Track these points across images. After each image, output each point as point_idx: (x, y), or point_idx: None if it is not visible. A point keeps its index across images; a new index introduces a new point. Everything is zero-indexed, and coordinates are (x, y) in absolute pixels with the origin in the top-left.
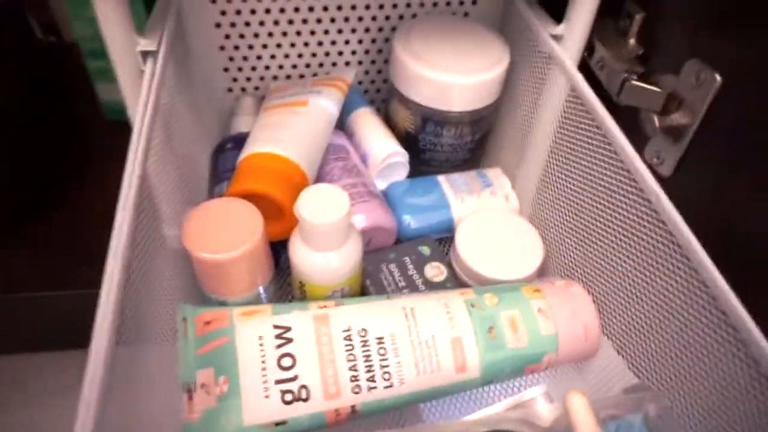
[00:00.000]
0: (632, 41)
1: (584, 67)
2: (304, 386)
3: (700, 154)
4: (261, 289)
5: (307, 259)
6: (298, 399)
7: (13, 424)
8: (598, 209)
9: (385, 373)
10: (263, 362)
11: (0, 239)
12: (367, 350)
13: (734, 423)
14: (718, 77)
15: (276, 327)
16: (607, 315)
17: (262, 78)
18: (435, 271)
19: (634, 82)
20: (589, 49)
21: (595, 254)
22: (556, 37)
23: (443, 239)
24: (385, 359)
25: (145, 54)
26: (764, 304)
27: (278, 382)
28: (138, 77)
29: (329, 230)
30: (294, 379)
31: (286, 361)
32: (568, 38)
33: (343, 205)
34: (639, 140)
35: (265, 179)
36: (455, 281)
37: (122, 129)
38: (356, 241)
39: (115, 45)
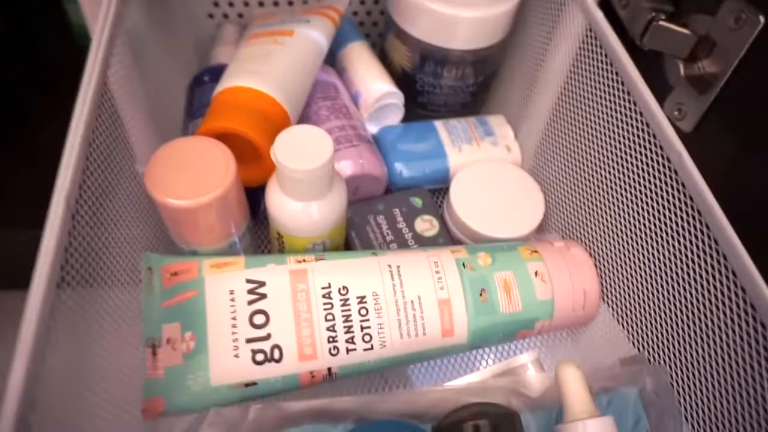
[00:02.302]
0: None
1: (605, 5)
2: (277, 346)
3: (728, 108)
4: (235, 238)
5: (286, 208)
6: (270, 359)
7: None
8: (607, 164)
9: (366, 335)
10: (234, 319)
11: None
12: (347, 310)
13: (740, 407)
14: (762, 18)
15: (249, 281)
16: (606, 277)
17: (246, 4)
18: (426, 224)
19: (661, 23)
20: None
21: (600, 212)
22: None
23: (437, 191)
24: (366, 320)
25: None
26: None
27: (249, 340)
28: None
29: (309, 178)
30: (266, 338)
31: (259, 319)
32: None
33: (325, 149)
34: (661, 90)
35: (240, 117)
36: (447, 236)
37: None
38: (340, 190)
39: None
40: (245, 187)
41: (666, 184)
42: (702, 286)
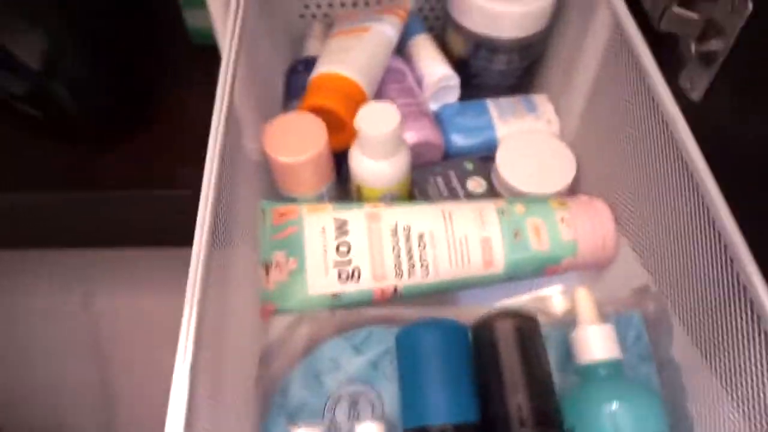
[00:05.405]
0: None
1: None
2: (356, 268)
3: (728, 80)
4: (325, 189)
5: (363, 165)
6: (351, 278)
7: (99, 314)
8: (632, 134)
9: (423, 262)
10: (324, 247)
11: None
12: (410, 243)
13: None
14: (750, 4)
15: (336, 220)
16: (628, 223)
17: (330, 5)
18: (476, 184)
19: (675, 9)
20: None
21: (625, 181)
22: None
23: (487, 158)
24: (424, 251)
25: None
26: None
27: (336, 264)
28: (226, 5)
29: (382, 140)
30: (348, 262)
31: (343, 248)
32: None
33: (394, 119)
34: (676, 66)
35: (330, 96)
36: (493, 194)
37: (207, 53)
38: (405, 152)
39: None
40: (333, 151)
41: (667, 146)
42: (690, 235)
